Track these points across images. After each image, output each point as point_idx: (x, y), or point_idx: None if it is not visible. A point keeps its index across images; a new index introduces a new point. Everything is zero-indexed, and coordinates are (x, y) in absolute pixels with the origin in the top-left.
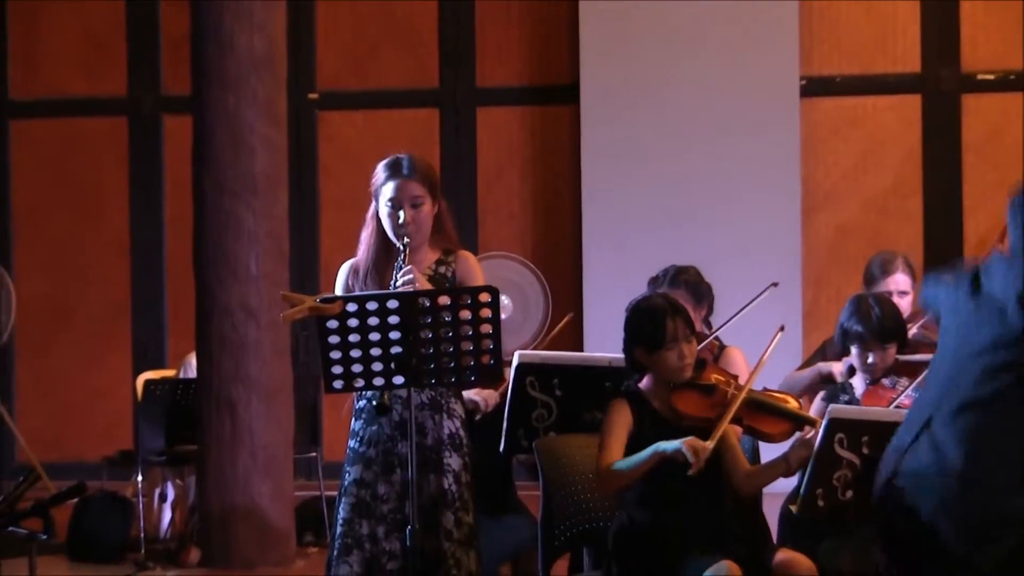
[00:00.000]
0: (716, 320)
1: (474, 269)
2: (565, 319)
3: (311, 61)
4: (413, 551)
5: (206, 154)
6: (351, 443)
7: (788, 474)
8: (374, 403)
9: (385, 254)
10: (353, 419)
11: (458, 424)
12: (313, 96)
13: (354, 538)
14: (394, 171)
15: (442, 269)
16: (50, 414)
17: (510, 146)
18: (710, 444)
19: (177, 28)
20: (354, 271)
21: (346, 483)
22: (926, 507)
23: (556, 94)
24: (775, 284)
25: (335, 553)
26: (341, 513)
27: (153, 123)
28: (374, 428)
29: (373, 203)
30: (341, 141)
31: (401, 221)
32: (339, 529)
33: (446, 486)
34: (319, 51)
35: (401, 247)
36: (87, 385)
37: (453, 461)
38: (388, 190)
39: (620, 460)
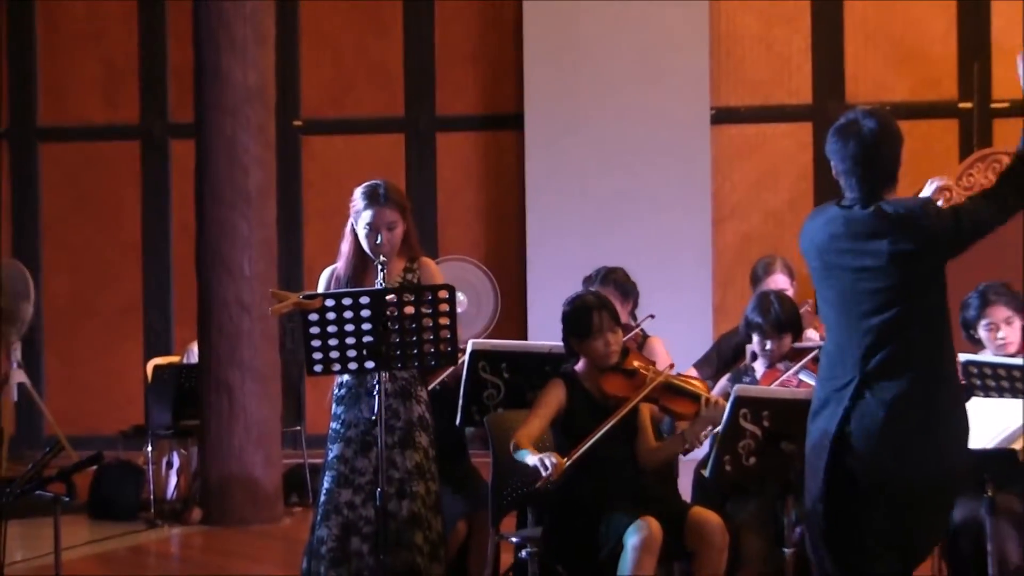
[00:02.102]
0: (640, 314)
1: (435, 274)
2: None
3: (296, 93)
4: (384, 512)
5: (207, 172)
6: (333, 425)
7: (687, 450)
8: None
9: (362, 264)
10: (334, 404)
11: (424, 408)
12: (298, 123)
13: (335, 505)
14: (372, 199)
15: (409, 276)
16: (73, 394)
17: (465, 166)
18: (566, 461)
19: (183, 65)
20: (336, 278)
21: (329, 458)
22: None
23: (504, 122)
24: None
25: (318, 518)
26: (325, 484)
27: (162, 146)
28: (354, 412)
29: (351, 220)
30: (322, 161)
31: (379, 242)
32: (323, 497)
33: (418, 460)
34: (303, 85)
35: (379, 265)
36: (105, 369)
37: (422, 439)
38: (367, 216)
39: (522, 447)
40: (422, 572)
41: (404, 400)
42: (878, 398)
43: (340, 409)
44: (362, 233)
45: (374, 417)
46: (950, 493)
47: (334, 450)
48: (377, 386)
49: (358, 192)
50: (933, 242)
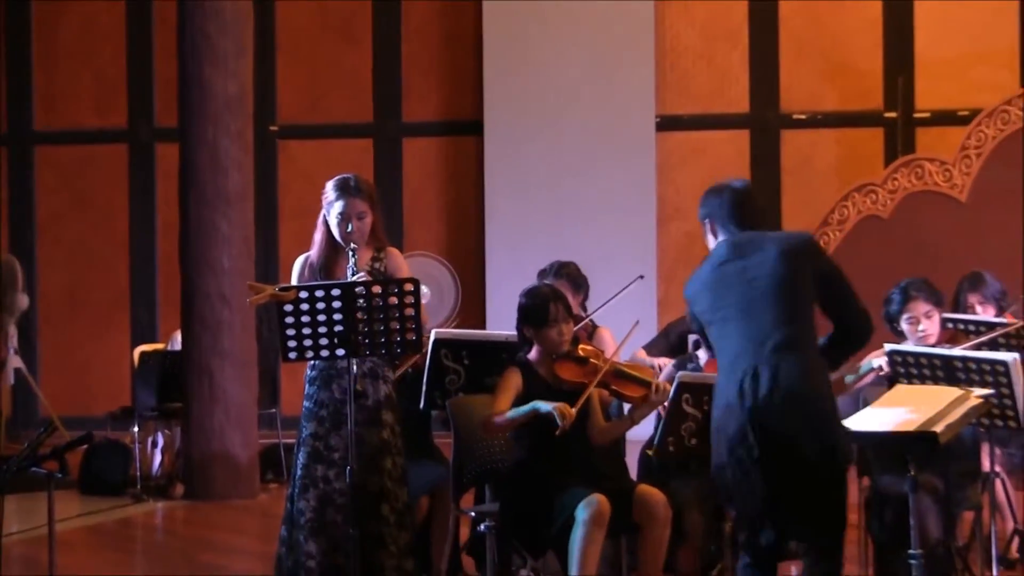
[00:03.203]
0: (591, 305)
1: (401, 263)
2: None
3: (273, 101)
4: (354, 486)
5: (190, 174)
6: (306, 404)
7: (628, 427)
8: (356, 387)
9: (333, 252)
10: (307, 385)
11: (390, 388)
12: (274, 129)
13: (311, 479)
14: (344, 190)
15: (376, 264)
16: (66, 378)
17: (429, 169)
18: (574, 410)
19: (168, 74)
20: (309, 265)
21: (303, 436)
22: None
23: (465, 128)
24: (641, 276)
25: (296, 491)
26: (300, 459)
27: (148, 150)
28: (326, 394)
29: (324, 211)
30: (297, 164)
31: (350, 230)
32: (299, 472)
33: (385, 436)
34: (279, 93)
35: (350, 252)
36: (95, 355)
37: (388, 417)
38: (339, 205)
39: (505, 413)
40: (389, 540)
41: (372, 381)
42: (772, 377)
43: (312, 389)
44: (334, 222)
45: (345, 397)
46: (839, 460)
47: (308, 428)
48: (351, 369)
49: (330, 184)
50: (808, 257)
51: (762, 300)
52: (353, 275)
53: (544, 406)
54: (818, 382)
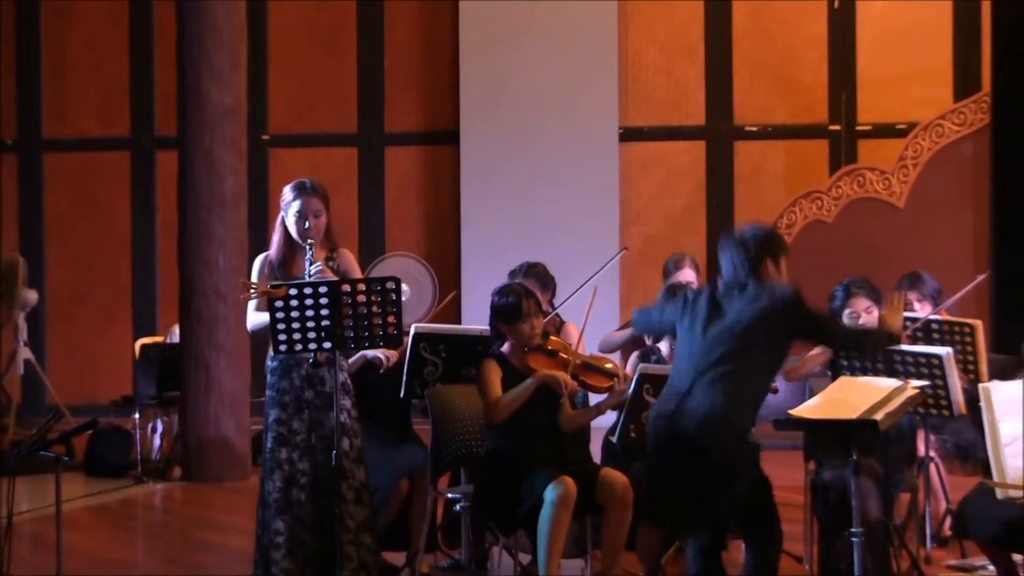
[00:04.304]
0: (557, 303)
1: (353, 263)
2: (450, 296)
3: (265, 112)
4: (338, 471)
5: (188, 179)
6: (269, 392)
7: (595, 416)
8: (310, 360)
9: (290, 250)
10: (269, 375)
11: (346, 375)
12: (266, 137)
13: (276, 462)
14: (301, 190)
15: (330, 263)
16: (72, 368)
17: (409, 176)
18: (574, 383)
19: (168, 86)
20: (268, 263)
21: (269, 422)
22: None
23: (443, 138)
24: (625, 248)
25: (265, 473)
26: (267, 444)
27: (149, 156)
28: (286, 382)
29: (281, 213)
30: (286, 170)
31: (307, 227)
32: (267, 455)
33: (343, 419)
34: (271, 104)
35: (307, 247)
36: (99, 347)
37: (346, 401)
38: (296, 205)
39: (506, 394)
40: (347, 516)
41: (329, 369)
42: (703, 393)
43: (274, 379)
44: (291, 221)
45: (304, 383)
46: (739, 470)
47: (272, 414)
48: (336, 362)
49: (287, 188)
50: (786, 313)
51: (723, 336)
52: (311, 267)
53: (546, 377)
54: (732, 416)
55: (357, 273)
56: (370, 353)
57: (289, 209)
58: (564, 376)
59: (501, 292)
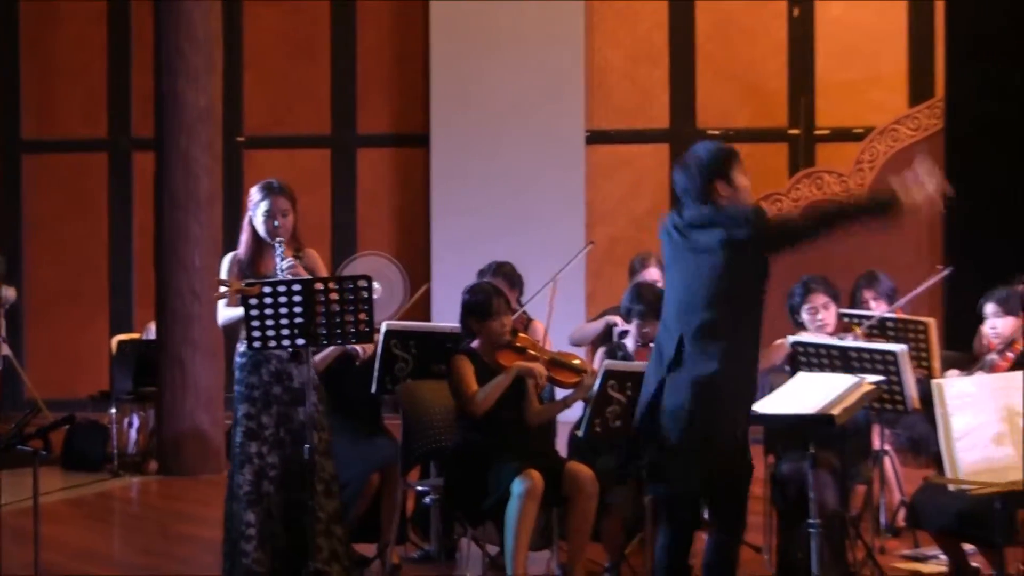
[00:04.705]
0: (524, 300)
1: (319, 261)
2: (422, 288)
3: (240, 114)
4: (312, 465)
5: (164, 180)
6: (237, 388)
7: (561, 410)
8: (288, 354)
9: (259, 249)
10: (237, 371)
11: (313, 371)
12: (241, 139)
13: (246, 456)
14: (269, 190)
15: (298, 262)
16: (50, 364)
17: (381, 177)
18: (548, 373)
19: (145, 89)
20: (237, 261)
21: (238, 416)
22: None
23: (414, 140)
24: (592, 242)
25: (235, 467)
26: (237, 438)
27: (126, 158)
28: (255, 377)
29: (249, 213)
30: (261, 172)
31: (276, 225)
32: (236, 449)
33: (310, 413)
34: (246, 106)
35: (277, 245)
36: (77, 343)
37: (313, 396)
38: (264, 205)
39: (483, 388)
40: (318, 508)
41: (298, 364)
42: (690, 354)
43: (242, 374)
44: (260, 220)
45: (273, 379)
46: (734, 444)
47: (242, 409)
48: (308, 357)
49: (255, 188)
50: (755, 237)
51: (698, 278)
52: (282, 262)
53: (523, 368)
54: (724, 367)
55: (323, 272)
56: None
57: (257, 209)
58: (540, 368)
59: (472, 291)
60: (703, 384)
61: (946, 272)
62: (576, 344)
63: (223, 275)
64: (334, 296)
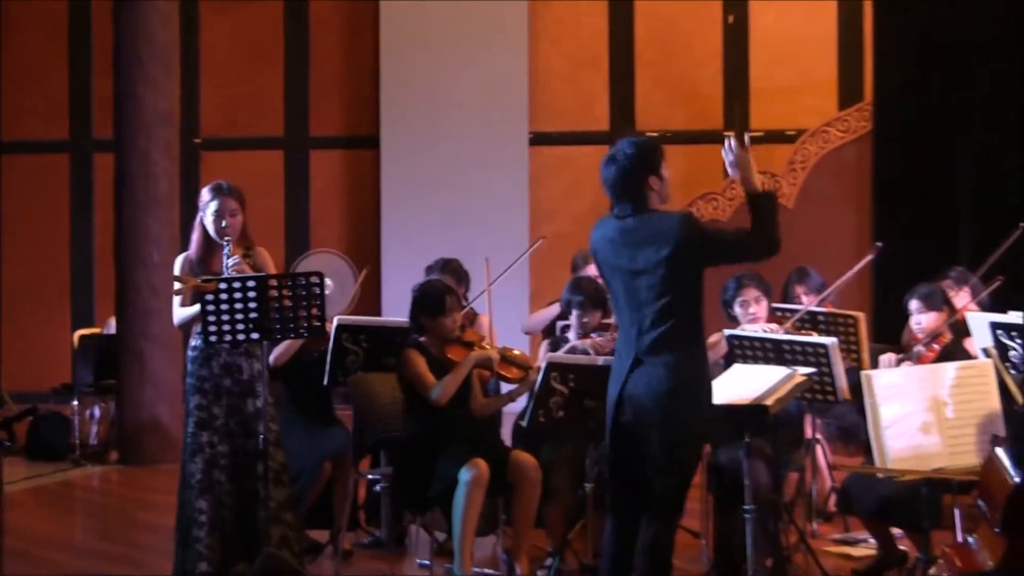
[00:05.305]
0: (471, 296)
1: (268, 260)
2: (363, 272)
3: (196, 116)
4: (263, 454)
5: (124, 180)
6: (189, 380)
7: (506, 403)
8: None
9: (209, 248)
10: (189, 364)
11: (262, 364)
12: (198, 141)
13: (198, 445)
14: (218, 191)
15: (248, 260)
16: (14, 357)
17: (333, 177)
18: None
19: (105, 92)
20: (189, 260)
21: (190, 407)
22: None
23: (364, 142)
24: (543, 237)
25: (187, 456)
26: (189, 428)
27: (87, 159)
28: (205, 370)
29: (200, 214)
30: (217, 172)
31: (224, 225)
32: (189, 439)
33: (260, 405)
34: (202, 110)
35: (225, 244)
36: (40, 338)
37: (262, 388)
38: (214, 205)
39: (443, 380)
40: (265, 496)
41: (247, 358)
42: (648, 370)
43: (194, 367)
44: (209, 220)
45: (223, 371)
46: (700, 436)
47: (193, 400)
48: (264, 351)
49: (205, 190)
50: (686, 250)
51: (646, 293)
52: (229, 260)
53: (479, 356)
54: (683, 379)
55: (272, 269)
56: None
57: (207, 209)
58: (494, 352)
59: (424, 288)
60: (667, 398)
61: (870, 258)
62: (528, 333)
63: (176, 274)
64: (287, 292)
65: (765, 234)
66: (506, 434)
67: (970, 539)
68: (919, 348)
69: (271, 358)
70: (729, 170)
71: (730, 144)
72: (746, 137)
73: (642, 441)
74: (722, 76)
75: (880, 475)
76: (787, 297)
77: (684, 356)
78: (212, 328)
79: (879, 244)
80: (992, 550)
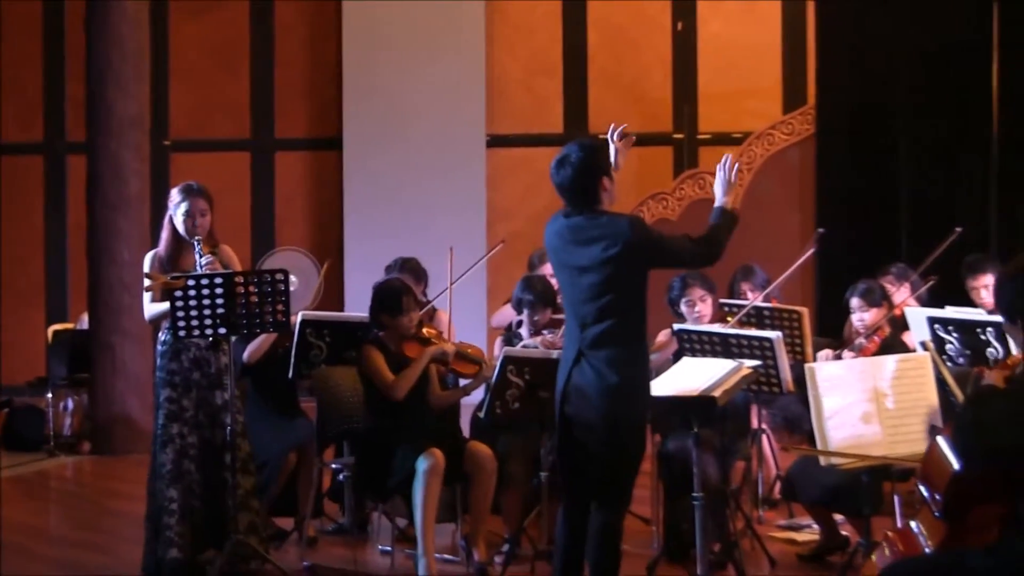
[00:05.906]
0: (431, 293)
1: (234, 257)
2: (325, 264)
3: (166, 119)
4: (231, 444)
5: (96, 181)
6: (159, 373)
7: (462, 396)
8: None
9: (178, 247)
10: (158, 358)
11: (228, 358)
12: (167, 143)
13: (168, 437)
14: (188, 192)
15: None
16: None
17: (297, 178)
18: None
19: (78, 96)
20: (158, 258)
21: (160, 400)
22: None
23: (327, 144)
24: (503, 241)
25: (158, 447)
26: (159, 420)
27: (61, 160)
28: (175, 364)
29: (169, 213)
30: (186, 173)
31: (195, 225)
32: (159, 431)
33: (227, 397)
34: (172, 112)
35: (196, 243)
36: (15, 333)
37: (229, 381)
38: (184, 205)
39: (401, 374)
40: (233, 485)
41: (214, 352)
42: (591, 364)
43: (163, 361)
44: (179, 219)
45: (192, 366)
46: (642, 428)
47: (163, 393)
48: (231, 346)
49: (175, 190)
50: (633, 251)
51: (590, 290)
52: (202, 259)
53: (435, 351)
54: (624, 374)
55: (237, 267)
56: None
57: (178, 209)
58: (450, 346)
59: (383, 288)
60: (610, 392)
61: (812, 251)
62: (498, 327)
63: (146, 271)
64: (253, 288)
65: (715, 246)
66: (465, 425)
67: (912, 524)
68: (861, 340)
69: (245, 355)
70: (716, 186)
71: (727, 162)
72: (632, 137)
73: (587, 432)
74: (671, 81)
75: (823, 463)
76: (733, 293)
77: (625, 352)
78: (181, 323)
79: (820, 230)
80: (932, 534)
